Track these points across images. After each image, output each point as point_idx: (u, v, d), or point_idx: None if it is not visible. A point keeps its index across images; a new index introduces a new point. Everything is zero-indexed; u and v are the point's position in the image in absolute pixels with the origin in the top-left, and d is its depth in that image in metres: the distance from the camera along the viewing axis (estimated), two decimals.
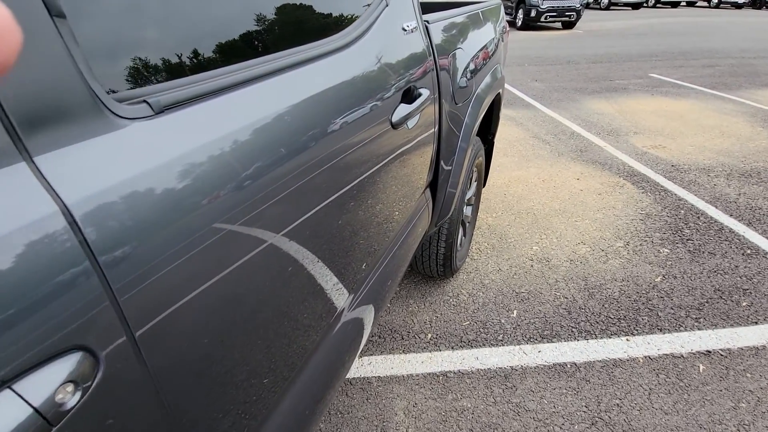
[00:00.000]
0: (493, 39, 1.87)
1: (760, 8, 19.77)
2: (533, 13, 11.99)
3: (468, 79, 1.41)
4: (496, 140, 3.92)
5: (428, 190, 1.32)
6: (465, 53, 1.39)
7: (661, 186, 2.97)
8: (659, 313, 1.86)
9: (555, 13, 11.87)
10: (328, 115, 0.69)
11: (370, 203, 0.85)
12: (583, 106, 4.90)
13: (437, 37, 1.17)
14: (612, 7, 20.09)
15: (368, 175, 0.81)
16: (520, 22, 12.56)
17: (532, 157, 3.50)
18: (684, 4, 23.15)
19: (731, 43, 9.10)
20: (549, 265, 2.18)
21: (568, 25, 12.53)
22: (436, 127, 1.17)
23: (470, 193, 2.06)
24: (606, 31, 11.69)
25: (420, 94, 0.95)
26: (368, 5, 0.82)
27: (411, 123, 0.94)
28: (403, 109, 0.86)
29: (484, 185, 2.44)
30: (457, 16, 1.38)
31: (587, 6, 20.36)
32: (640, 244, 2.32)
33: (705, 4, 22.61)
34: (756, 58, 7.51)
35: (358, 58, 0.76)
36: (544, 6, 11.69)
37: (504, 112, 4.71)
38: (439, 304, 1.94)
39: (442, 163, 1.31)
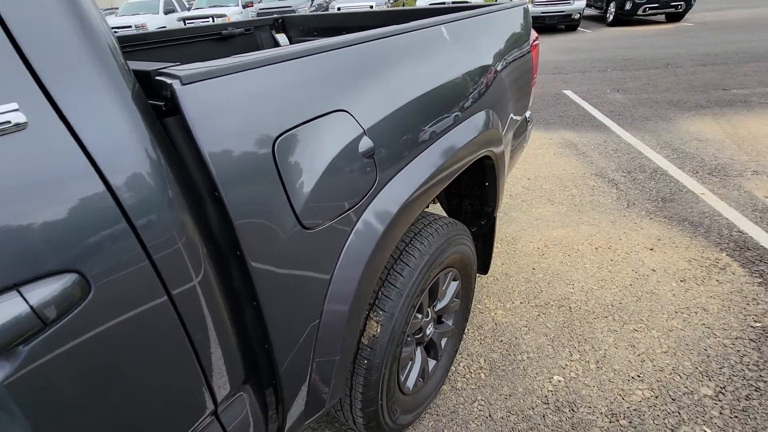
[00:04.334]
0: (483, 70, 1.13)
1: None
2: (628, 6, 10.21)
3: (363, 162, 0.73)
4: (541, 178, 3.04)
5: (247, 389, 0.68)
6: (369, 110, 0.72)
7: None
8: None
9: (657, 4, 9.96)
10: None
11: None
12: (677, 127, 3.72)
13: (226, 115, 0.52)
14: None
15: None
16: (611, 17, 10.83)
17: (587, 207, 2.58)
18: None
19: None
20: (574, 419, 1.36)
21: (674, 18, 10.47)
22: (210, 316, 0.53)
23: (445, 301, 1.35)
24: (725, 23, 9.53)
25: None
26: None
27: None
28: None
29: (486, 272, 1.69)
30: (355, 44, 0.70)
31: None
32: (747, 396, 1.39)
33: None
34: None
35: None
36: None
37: (563, 136, 3.75)
38: None
39: (273, 335, 0.65)
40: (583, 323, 1.73)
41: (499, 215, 2.59)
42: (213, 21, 12.02)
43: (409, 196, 0.82)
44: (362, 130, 0.71)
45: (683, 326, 1.67)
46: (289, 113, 0.61)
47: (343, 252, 0.78)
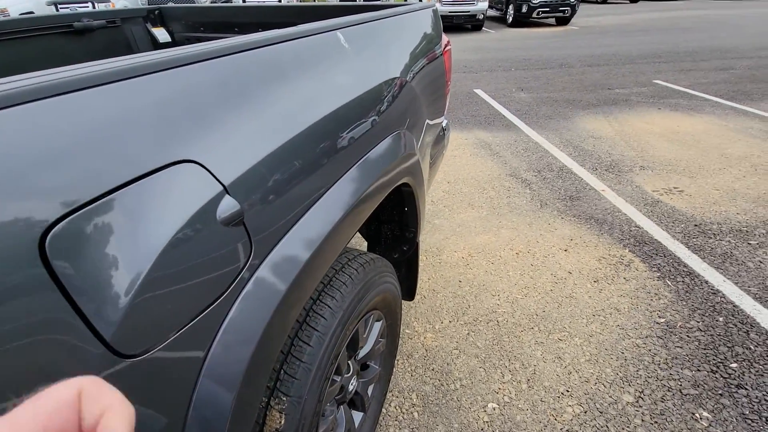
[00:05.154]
0: (393, 85, 0.97)
1: None
2: (524, 9, 11.06)
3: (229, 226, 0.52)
4: (461, 181, 3.03)
5: None
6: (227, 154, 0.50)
7: (684, 265, 2.08)
8: None
9: (548, 8, 10.92)
10: None
11: None
12: (575, 125, 4.00)
13: None
14: (610, 0, 19.09)
15: None
16: (510, 19, 11.63)
17: (505, 210, 2.60)
18: None
19: (745, 39, 8.18)
20: None
21: (563, 21, 11.58)
22: None
23: (369, 347, 1.17)
24: (603, 28, 10.75)
25: None
26: None
27: None
28: None
29: (412, 298, 1.55)
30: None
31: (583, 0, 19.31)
32: (662, 398, 1.43)
33: None
34: None
35: None
36: (536, 0, 10.75)
37: (477, 135, 3.81)
38: None
39: None
40: (511, 338, 1.69)
41: (423, 223, 2.51)
42: (94, 7, 10.38)
43: (308, 257, 0.62)
44: (222, 188, 0.49)
45: (601, 330, 1.71)
46: (81, 181, 0.37)
47: (222, 330, 0.56)
